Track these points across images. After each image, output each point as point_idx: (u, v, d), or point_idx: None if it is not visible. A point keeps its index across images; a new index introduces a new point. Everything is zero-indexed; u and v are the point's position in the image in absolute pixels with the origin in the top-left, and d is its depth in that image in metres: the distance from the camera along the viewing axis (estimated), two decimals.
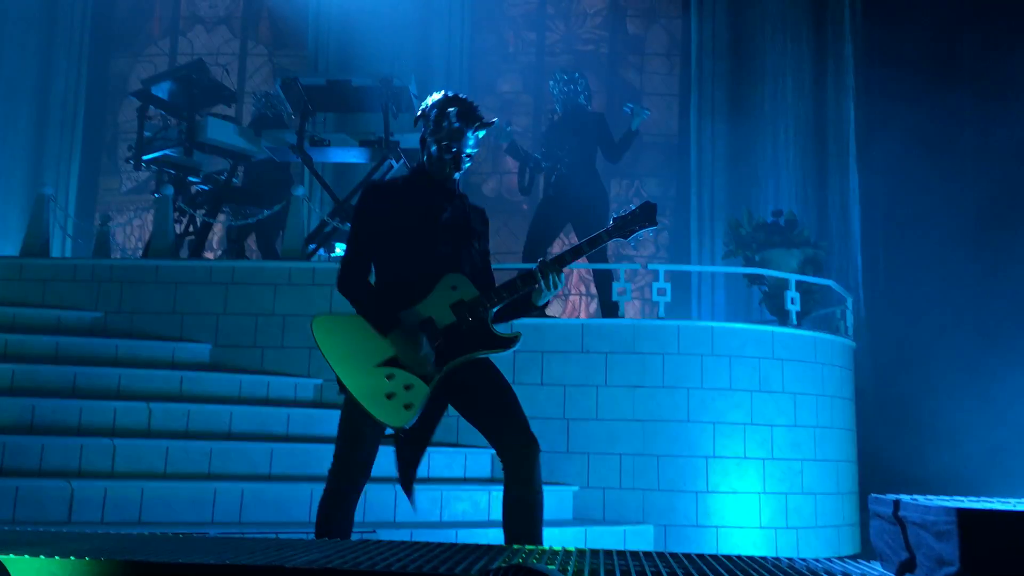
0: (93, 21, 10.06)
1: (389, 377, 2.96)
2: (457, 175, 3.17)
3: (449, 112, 3.11)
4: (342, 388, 2.99)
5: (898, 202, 7.86)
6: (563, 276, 3.06)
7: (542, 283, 3.01)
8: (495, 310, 3.09)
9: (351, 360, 2.98)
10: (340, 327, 3.05)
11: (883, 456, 6.80)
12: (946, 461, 7.04)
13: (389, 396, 2.94)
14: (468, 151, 3.15)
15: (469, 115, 3.12)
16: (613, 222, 3.08)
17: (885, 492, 2.55)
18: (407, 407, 2.93)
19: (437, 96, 3.19)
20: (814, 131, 8.75)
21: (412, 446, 3.13)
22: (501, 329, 3.12)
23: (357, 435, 3.05)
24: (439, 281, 3.05)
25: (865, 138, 8.28)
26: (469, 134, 3.13)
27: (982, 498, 2.53)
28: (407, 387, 2.95)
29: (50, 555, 2.21)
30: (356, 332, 3.01)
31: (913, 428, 7.23)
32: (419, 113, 3.20)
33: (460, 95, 3.19)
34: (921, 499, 2.31)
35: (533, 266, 3.08)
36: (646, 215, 3.05)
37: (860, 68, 8.47)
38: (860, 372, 6.95)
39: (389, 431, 3.05)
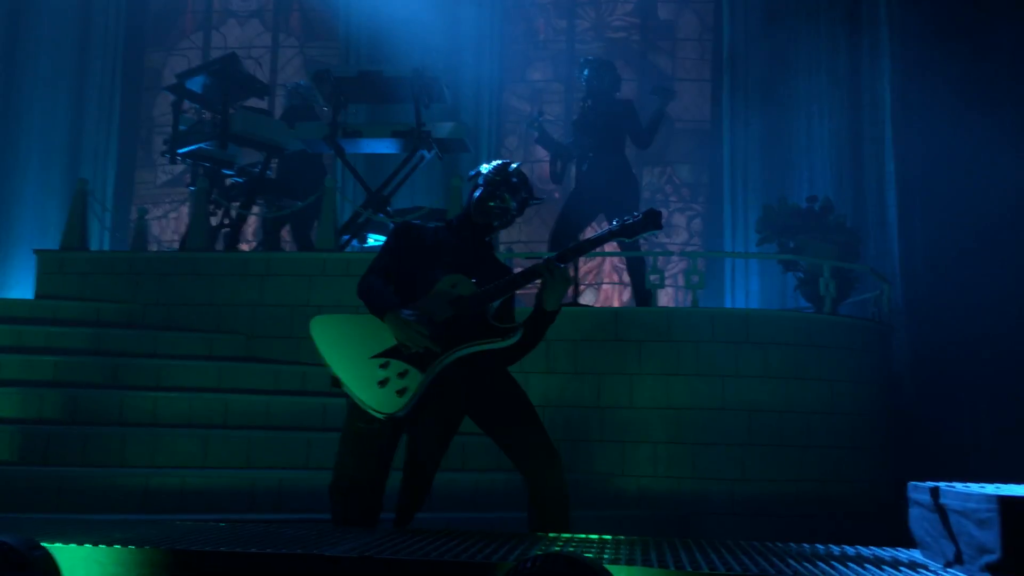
0: (127, 17, 10.17)
1: (383, 366, 2.99)
2: (496, 223, 3.25)
3: (509, 174, 3.25)
4: (335, 382, 3.01)
5: (935, 185, 7.73)
6: (566, 269, 3.08)
7: (546, 275, 3.02)
8: (496, 304, 3.11)
9: (346, 353, 3.02)
10: (338, 324, 3.10)
11: (922, 443, 6.72)
12: (987, 447, 6.95)
13: (382, 383, 2.95)
14: (513, 212, 3.27)
15: (527, 183, 3.30)
16: (618, 226, 3.10)
17: (924, 479, 2.52)
18: (400, 392, 2.94)
19: (498, 161, 3.33)
20: (849, 115, 8.63)
21: (423, 466, 3.15)
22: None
23: (357, 438, 3.07)
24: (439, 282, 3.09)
25: (901, 121, 8.15)
26: (523, 195, 3.26)
27: None
28: (401, 374, 2.97)
29: (95, 543, 2.26)
30: (353, 328, 3.07)
31: (953, 414, 7.13)
32: (474, 173, 3.32)
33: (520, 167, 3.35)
34: (961, 486, 2.29)
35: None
36: (650, 221, 3.08)
37: (895, 50, 8.33)
38: (898, 358, 6.87)
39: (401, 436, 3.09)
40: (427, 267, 3.14)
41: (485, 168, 3.30)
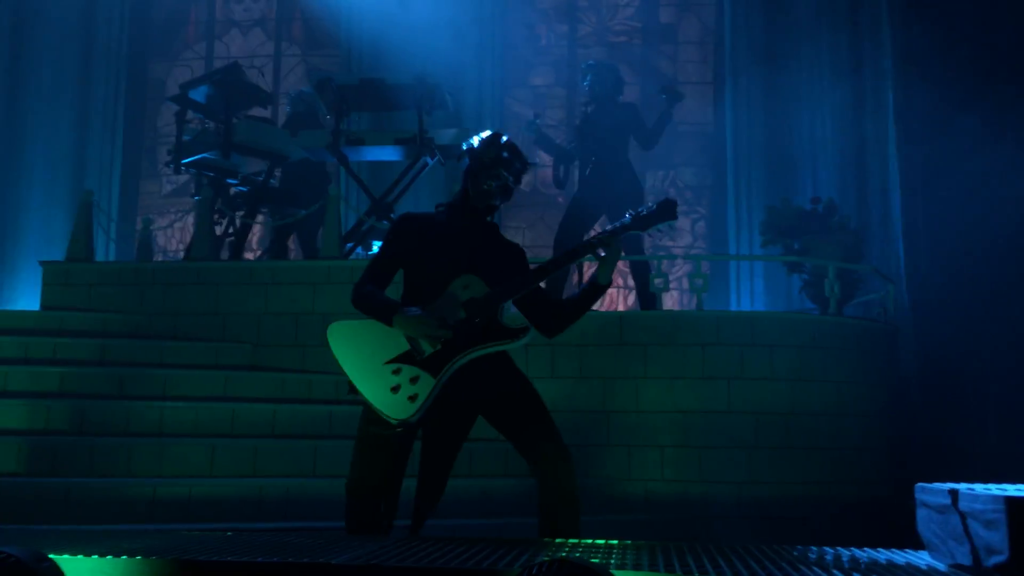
0: (131, 28, 10.19)
1: (395, 372, 3.00)
2: (498, 202, 3.19)
3: (500, 148, 3.18)
4: (351, 388, 3.03)
5: (939, 184, 7.70)
6: (619, 243, 3.09)
7: (601, 251, 3.07)
8: (510, 307, 3.11)
9: (360, 360, 3.04)
10: (353, 331, 3.11)
11: (930, 443, 6.70)
12: (995, 447, 6.92)
13: (394, 389, 2.96)
14: (512, 186, 3.21)
15: (519, 153, 3.21)
16: (631, 218, 3.10)
17: (932, 480, 2.52)
18: (411, 398, 2.94)
19: (485, 134, 3.25)
20: (852, 116, 8.61)
21: (435, 469, 3.14)
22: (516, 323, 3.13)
23: (371, 443, 3.07)
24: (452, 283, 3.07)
25: (904, 121, 8.13)
26: (517, 166, 3.20)
27: None
28: (413, 379, 2.98)
29: (103, 554, 2.26)
30: (367, 335, 3.07)
31: (960, 414, 7.11)
32: (465, 148, 3.25)
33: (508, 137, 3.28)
34: (968, 487, 2.28)
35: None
36: (665, 211, 3.08)
37: (898, 50, 8.32)
38: (904, 358, 6.85)
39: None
40: (433, 256, 3.10)
41: (475, 143, 3.21)
